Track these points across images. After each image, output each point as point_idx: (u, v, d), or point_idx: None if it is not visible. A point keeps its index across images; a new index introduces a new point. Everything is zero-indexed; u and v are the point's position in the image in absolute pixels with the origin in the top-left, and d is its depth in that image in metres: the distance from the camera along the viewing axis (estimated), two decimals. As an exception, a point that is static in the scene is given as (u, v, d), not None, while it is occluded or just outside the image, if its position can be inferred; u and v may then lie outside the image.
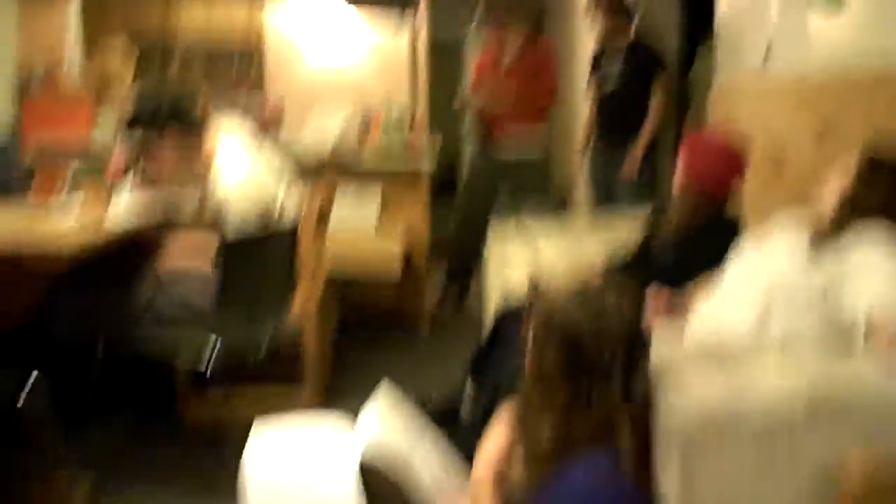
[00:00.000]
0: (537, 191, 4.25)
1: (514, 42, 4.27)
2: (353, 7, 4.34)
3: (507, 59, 4.26)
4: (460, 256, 4.28)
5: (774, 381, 1.45)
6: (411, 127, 3.96)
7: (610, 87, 4.16)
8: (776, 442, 1.38)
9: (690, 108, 4.25)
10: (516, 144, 4.24)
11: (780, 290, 1.86)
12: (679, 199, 2.31)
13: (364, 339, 3.74)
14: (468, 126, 4.43)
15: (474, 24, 4.35)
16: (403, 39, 4.64)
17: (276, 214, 2.68)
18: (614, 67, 4.14)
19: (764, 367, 1.54)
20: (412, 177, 3.94)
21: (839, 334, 1.76)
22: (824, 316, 1.79)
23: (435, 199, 4.05)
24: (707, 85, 3.71)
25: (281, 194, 2.74)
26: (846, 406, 1.41)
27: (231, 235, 2.51)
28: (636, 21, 4.20)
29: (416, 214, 3.96)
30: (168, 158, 2.52)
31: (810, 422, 1.40)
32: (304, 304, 2.63)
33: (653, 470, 1.35)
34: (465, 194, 4.37)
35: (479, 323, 3.24)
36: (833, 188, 1.92)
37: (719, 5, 3.39)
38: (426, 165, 3.89)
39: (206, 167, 2.58)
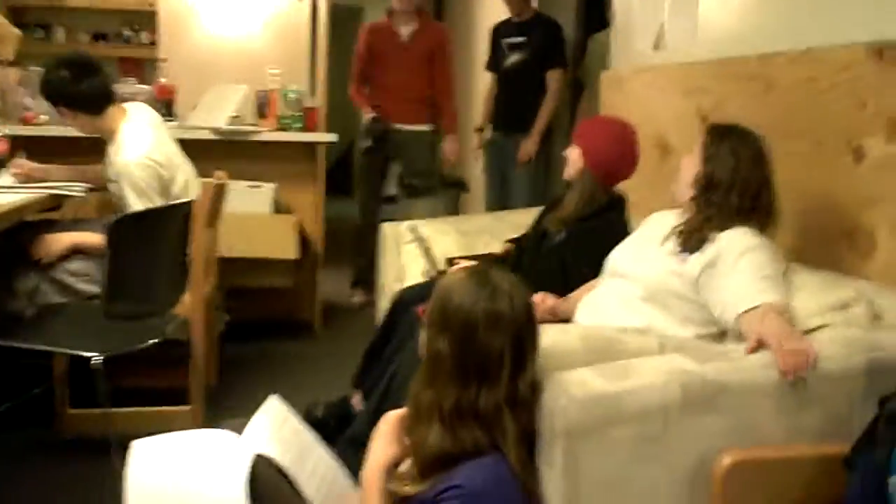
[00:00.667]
0: (427, 165, 4.30)
1: (408, 21, 4.25)
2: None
3: (402, 39, 4.25)
4: (364, 248, 4.25)
5: (652, 369, 1.50)
6: (308, 112, 3.88)
7: (510, 62, 4.20)
8: (655, 428, 1.44)
9: (583, 95, 4.32)
10: (410, 118, 4.27)
11: (655, 282, 1.91)
12: (574, 185, 2.36)
13: (255, 335, 3.65)
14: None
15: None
16: (304, 10, 4.55)
17: (175, 190, 2.62)
18: (516, 40, 4.18)
19: (642, 356, 1.60)
20: (309, 152, 3.88)
21: (711, 325, 1.84)
22: (696, 308, 1.86)
23: (331, 182, 4.00)
24: (600, 73, 3.77)
25: (182, 171, 2.69)
26: (720, 392, 1.48)
27: (127, 210, 2.44)
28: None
29: (312, 196, 3.90)
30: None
31: (686, 407, 1.46)
32: (194, 293, 2.56)
33: (538, 470, 1.38)
34: (362, 177, 4.36)
35: (372, 319, 3.24)
36: (685, 166, 1.97)
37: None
38: (324, 139, 3.84)
39: (110, 138, 2.61)
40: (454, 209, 4.21)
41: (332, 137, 3.82)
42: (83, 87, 2.57)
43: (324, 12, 4.06)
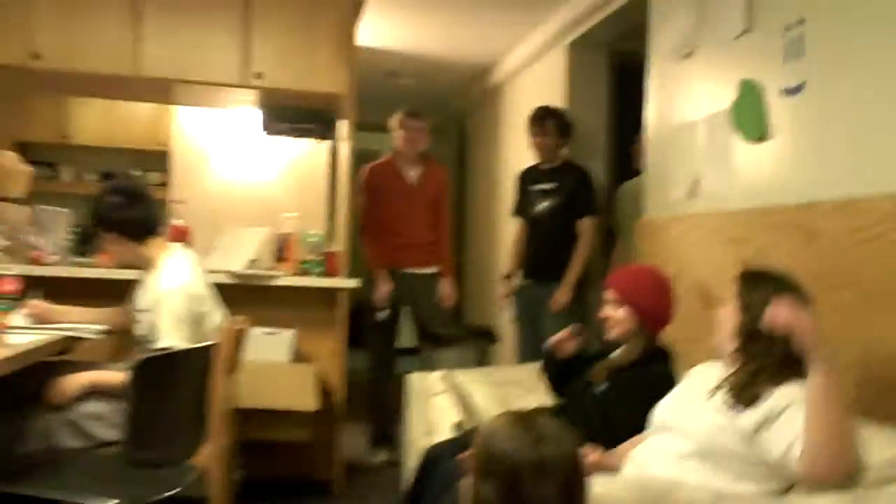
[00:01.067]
0: (441, 309, 4.50)
1: (414, 163, 4.58)
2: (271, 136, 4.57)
3: (410, 181, 4.56)
4: (381, 405, 4.40)
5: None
6: (329, 257, 4.13)
7: (540, 209, 4.46)
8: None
9: (616, 243, 4.58)
10: (421, 261, 4.57)
11: (706, 437, 1.98)
12: (623, 342, 2.52)
13: (270, 494, 3.69)
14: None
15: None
16: (322, 155, 4.90)
17: (207, 328, 2.79)
18: (545, 187, 4.46)
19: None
20: (329, 298, 4.08)
21: (770, 480, 1.91)
22: (751, 464, 1.92)
23: (352, 328, 4.19)
24: (632, 219, 4.01)
25: (217, 312, 2.88)
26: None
27: (157, 342, 2.62)
28: (569, 143, 4.59)
29: (332, 345, 4.08)
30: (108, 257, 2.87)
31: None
32: (213, 444, 2.67)
33: None
34: (373, 326, 4.56)
35: (397, 479, 3.31)
36: (723, 318, 2.03)
37: (647, 138, 3.70)
38: (346, 285, 4.05)
39: (148, 267, 2.86)
40: (483, 360, 4.35)
41: (353, 283, 4.04)
42: (134, 214, 2.83)
43: (345, 156, 4.36)
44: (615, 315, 2.51)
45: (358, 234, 4.71)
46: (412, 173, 4.65)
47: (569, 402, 2.57)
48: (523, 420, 1.53)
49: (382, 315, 4.34)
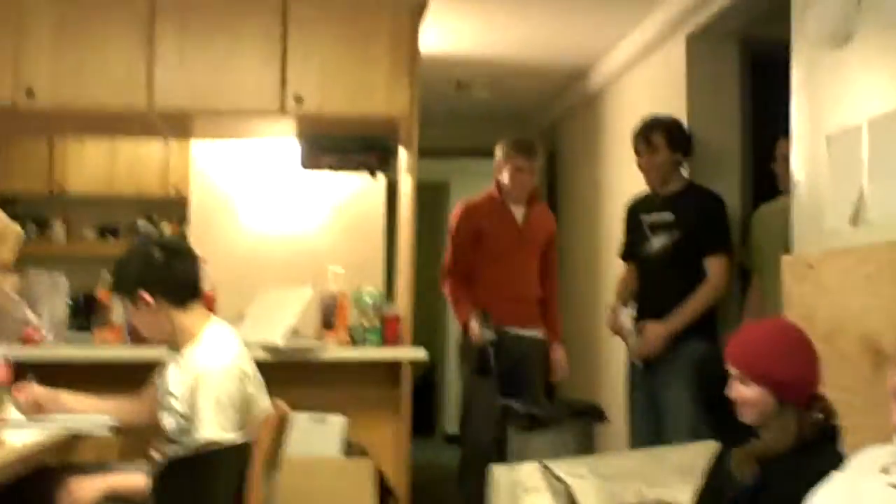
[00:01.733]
0: (543, 383, 4.53)
1: (518, 201, 4.66)
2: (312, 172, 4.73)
3: (517, 223, 4.63)
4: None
5: None
6: (388, 321, 4.20)
7: (655, 248, 4.45)
8: None
9: (752, 284, 4.53)
10: (523, 320, 4.67)
11: None
12: (767, 426, 2.50)
13: None
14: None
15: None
16: (377, 194, 4.99)
17: (255, 414, 2.90)
18: (661, 218, 4.45)
19: None
20: (389, 375, 4.14)
21: None
22: None
23: (417, 410, 4.24)
24: (772, 252, 3.98)
25: (264, 396, 3.01)
26: None
27: (190, 440, 2.71)
28: (687, 160, 4.59)
29: (393, 433, 4.15)
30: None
31: None
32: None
33: None
34: (473, 404, 4.62)
35: None
36: None
37: (793, 149, 3.69)
38: (410, 357, 4.12)
39: (187, 340, 2.98)
40: (587, 445, 4.33)
41: (419, 354, 4.10)
42: (177, 272, 2.97)
43: (407, 193, 4.43)
44: (744, 394, 2.50)
45: (441, 280, 4.82)
46: (518, 213, 4.83)
47: (708, 499, 2.55)
48: None
49: (488, 336, 4.43)
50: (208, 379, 2.84)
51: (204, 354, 2.92)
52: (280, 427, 2.94)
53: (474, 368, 4.57)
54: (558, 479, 2.97)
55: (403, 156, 4.57)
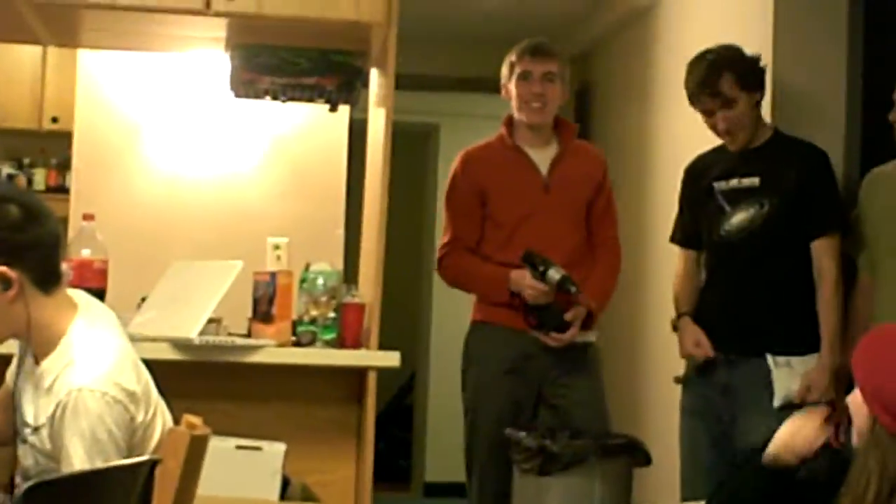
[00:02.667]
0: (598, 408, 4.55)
1: (542, 141, 4.65)
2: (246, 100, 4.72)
3: (539, 172, 4.62)
4: None
5: None
6: (347, 313, 4.21)
7: (734, 225, 4.40)
8: None
9: (861, 274, 4.50)
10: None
11: None
12: (861, 453, 2.53)
13: None
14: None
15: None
16: (337, 134, 5.00)
17: (151, 446, 2.92)
18: (742, 184, 4.42)
19: None
20: (347, 387, 4.18)
21: None
22: None
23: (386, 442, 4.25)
24: (892, 236, 3.98)
25: (161, 414, 3.02)
26: None
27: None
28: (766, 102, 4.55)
29: (351, 470, 4.19)
30: None
31: None
32: None
33: None
34: (484, 417, 4.63)
35: None
36: None
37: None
38: (378, 363, 4.14)
39: (43, 341, 2.92)
40: (623, 496, 4.36)
41: (391, 360, 4.11)
42: (44, 244, 2.89)
43: (378, 135, 4.41)
44: (852, 405, 2.55)
45: (438, 266, 4.84)
46: (542, 159, 4.75)
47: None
48: None
49: (555, 277, 4.46)
50: (77, 406, 2.80)
51: (71, 371, 2.86)
52: (192, 451, 2.94)
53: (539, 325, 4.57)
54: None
55: (376, 82, 4.57)
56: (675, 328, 4.61)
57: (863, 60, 4.93)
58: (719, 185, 4.51)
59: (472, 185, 4.76)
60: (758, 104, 4.46)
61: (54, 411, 2.82)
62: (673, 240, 4.80)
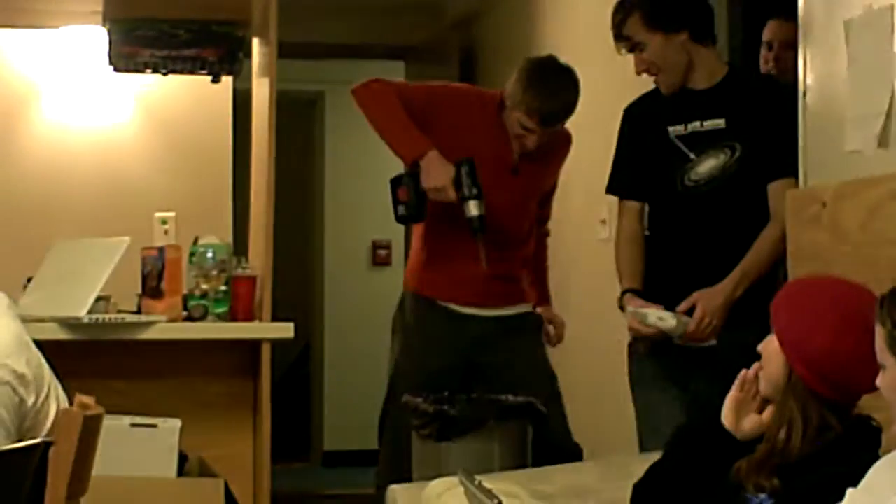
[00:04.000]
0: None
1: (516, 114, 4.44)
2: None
3: (516, 149, 4.46)
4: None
5: None
6: (238, 285, 4.18)
7: (700, 174, 4.04)
8: None
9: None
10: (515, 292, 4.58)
11: None
12: (777, 405, 2.58)
13: None
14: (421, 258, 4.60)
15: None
16: (220, 106, 4.97)
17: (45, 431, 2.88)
18: (705, 126, 4.14)
19: None
20: (241, 361, 4.17)
21: None
22: None
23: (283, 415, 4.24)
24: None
25: (55, 396, 3.00)
26: None
27: None
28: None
29: (247, 445, 4.20)
30: None
31: None
32: None
33: None
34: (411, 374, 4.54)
35: None
36: None
37: (803, 43, 3.73)
38: (271, 335, 4.14)
39: None
40: (520, 456, 4.36)
41: (285, 331, 4.12)
42: None
43: (266, 107, 4.39)
44: (764, 353, 2.61)
45: (365, 83, 4.47)
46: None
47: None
48: None
49: (469, 193, 4.21)
50: None
51: None
52: (87, 430, 2.92)
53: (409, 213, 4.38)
54: (488, 493, 3.01)
55: (258, 51, 4.53)
56: (623, 308, 4.14)
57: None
58: (675, 130, 4.12)
59: (441, 113, 4.50)
60: (694, 41, 4.18)
61: None
62: (611, 190, 4.36)
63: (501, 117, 4.47)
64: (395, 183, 4.35)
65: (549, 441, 4.37)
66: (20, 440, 2.85)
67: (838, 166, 3.53)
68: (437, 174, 4.21)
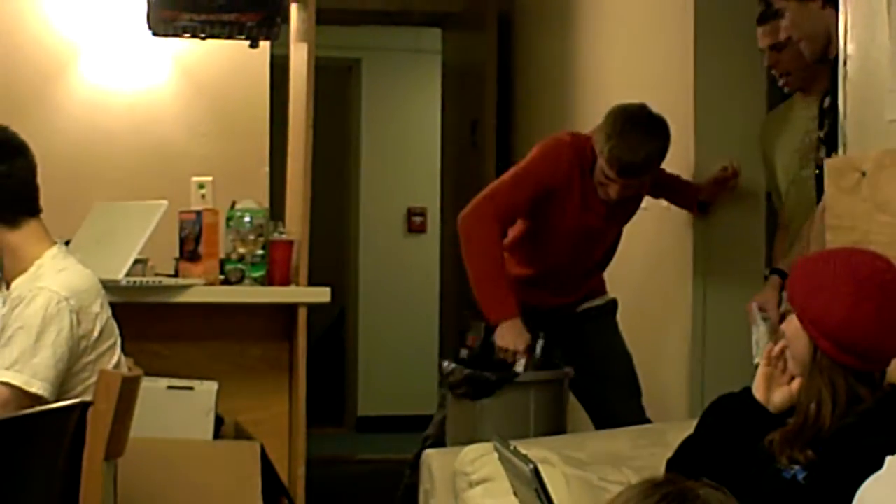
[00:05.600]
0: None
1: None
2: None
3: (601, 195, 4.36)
4: None
5: None
6: (275, 250, 4.19)
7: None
8: None
9: (779, 229, 4.51)
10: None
11: None
12: (809, 377, 2.57)
13: None
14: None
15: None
16: (258, 71, 4.97)
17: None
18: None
19: None
20: (278, 324, 4.19)
21: None
22: None
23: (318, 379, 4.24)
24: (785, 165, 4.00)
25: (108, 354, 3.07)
26: None
27: None
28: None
29: (283, 407, 4.21)
30: None
31: None
32: None
33: None
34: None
35: None
36: None
37: (844, 8, 3.72)
38: (308, 299, 4.16)
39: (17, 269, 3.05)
40: (553, 417, 4.36)
41: (321, 296, 4.13)
42: (15, 174, 3.04)
43: (304, 73, 4.39)
44: (787, 332, 2.61)
45: (474, 212, 4.30)
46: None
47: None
48: (672, 490, 1.71)
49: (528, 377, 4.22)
50: (34, 305, 2.89)
51: (39, 280, 2.96)
52: (125, 392, 2.94)
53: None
54: (523, 458, 3.01)
55: (296, 17, 4.53)
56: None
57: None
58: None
59: (551, 182, 4.39)
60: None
61: (13, 312, 2.91)
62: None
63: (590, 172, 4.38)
64: (467, 328, 4.42)
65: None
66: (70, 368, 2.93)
67: (879, 135, 3.52)
68: (513, 339, 4.18)
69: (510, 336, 4.16)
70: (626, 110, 4.30)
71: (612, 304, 4.68)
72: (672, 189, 4.69)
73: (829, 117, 3.90)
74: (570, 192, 4.33)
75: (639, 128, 4.23)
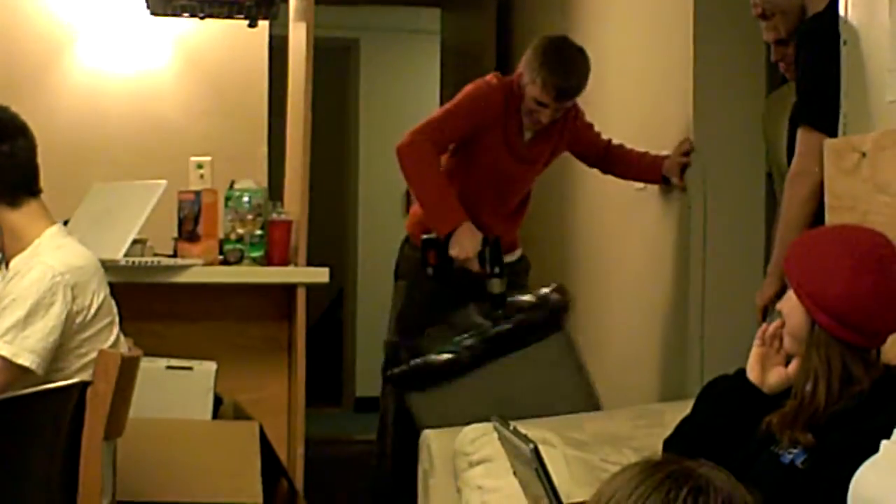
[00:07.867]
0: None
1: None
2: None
3: (527, 130, 4.55)
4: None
5: None
6: (274, 230, 4.19)
7: None
8: None
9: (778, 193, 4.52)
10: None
11: None
12: (802, 360, 2.58)
13: None
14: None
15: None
16: (256, 51, 4.95)
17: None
18: None
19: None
20: (276, 305, 4.20)
21: None
22: None
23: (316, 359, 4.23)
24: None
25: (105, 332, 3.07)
26: None
27: None
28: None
29: (282, 388, 4.22)
30: None
31: None
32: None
33: None
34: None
35: None
36: None
37: (843, 5, 3.70)
38: (307, 280, 4.15)
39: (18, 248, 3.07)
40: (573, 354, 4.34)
41: (320, 276, 4.13)
42: (10, 157, 3.06)
43: (303, 53, 4.37)
44: (784, 309, 2.60)
45: (407, 145, 4.57)
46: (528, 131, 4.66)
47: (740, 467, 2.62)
48: (672, 470, 1.70)
49: (496, 288, 4.33)
50: (28, 278, 2.91)
51: (36, 257, 2.99)
52: (123, 373, 2.94)
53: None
54: (523, 438, 3.01)
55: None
56: None
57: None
58: None
59: (479, 117, 4.59)
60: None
61: (7, 279, 2.95)
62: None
63: (517, 109, 4.58)
64: (427, 245, 4.43)
65: None
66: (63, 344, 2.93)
67: (879, 116, 3.51)
68: (464, 247, 4.31)
69: (465, 241, 4.31)
70: (552, 41, 4.63)
71: (526, 263, 4.85)
72: (625, 162, 4.85)
73: None
74: (495, 129, 4.54)
75: (568, 53, 4.54)
